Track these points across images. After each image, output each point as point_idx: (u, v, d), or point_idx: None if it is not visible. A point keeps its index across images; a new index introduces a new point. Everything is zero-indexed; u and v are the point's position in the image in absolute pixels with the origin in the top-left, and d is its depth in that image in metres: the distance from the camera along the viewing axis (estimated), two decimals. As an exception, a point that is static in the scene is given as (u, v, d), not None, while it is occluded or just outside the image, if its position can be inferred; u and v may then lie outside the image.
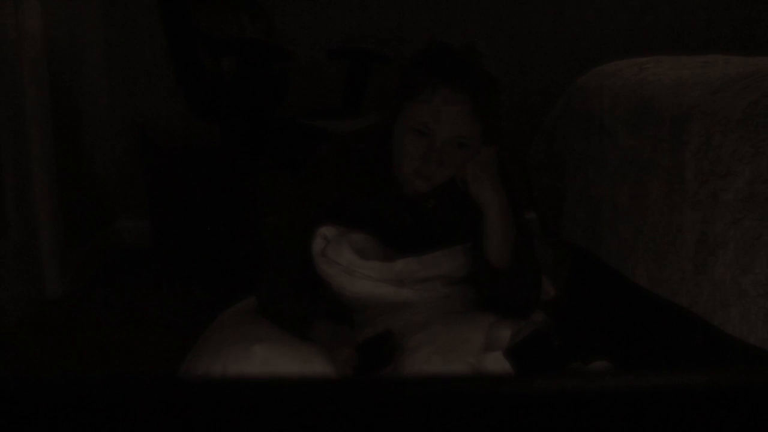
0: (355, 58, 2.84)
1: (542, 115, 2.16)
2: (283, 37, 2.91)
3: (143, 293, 2.62)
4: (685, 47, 2.16)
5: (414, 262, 1.43)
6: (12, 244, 2.33)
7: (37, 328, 2.33)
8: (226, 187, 2.70)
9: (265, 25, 2.84)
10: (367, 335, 1.35)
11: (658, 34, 3.15)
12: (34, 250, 2.48)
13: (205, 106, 2.56)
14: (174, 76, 2.57)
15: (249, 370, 1.29)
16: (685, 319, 1.41)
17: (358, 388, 0.49)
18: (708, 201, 1.34)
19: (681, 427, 0.47)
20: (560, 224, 1.99)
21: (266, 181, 2.75)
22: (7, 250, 2.31)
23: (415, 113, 1.33)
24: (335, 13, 3.13)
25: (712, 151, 1.35)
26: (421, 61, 1.35)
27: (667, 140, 1.49)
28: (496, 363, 1.29)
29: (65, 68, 2.73)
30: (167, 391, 0.49)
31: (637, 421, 0.47)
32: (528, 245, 1.46)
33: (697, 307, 1.35)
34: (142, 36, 3.03)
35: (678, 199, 1.42)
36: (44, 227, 2.51)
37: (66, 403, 0.46)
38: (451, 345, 1.31)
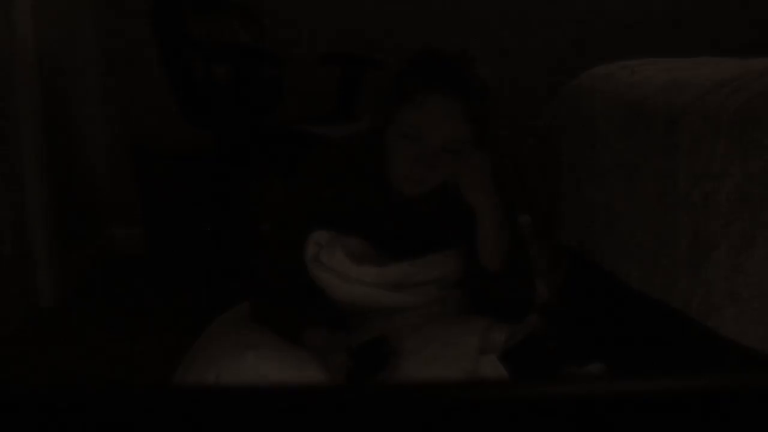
0: (348, 63, 2.84)
1: (537, 117, 2.16)
2: (276, 43, 2.91)
3: (137, 300, 2.61)
4: (683, 48, 2.17)
5: (408, 267, 1.43)
6: (5, 252, 2.32)
7: (31, 336, 2.32)
8: (221, 193, 2.69)
9: (257, 31, 2.84)
10: (362, 340, 1.35)
11: (656, 36, 3.16)
12: (28, 258, 2.47)
13: (197, 113, 2.56)
14: (167, 82, 2.57)
15: (242, 377, 1.28)
16: (680, 321, 1.41)
17: (352, 394, 0.49)
18: (700, 203, 1.34)
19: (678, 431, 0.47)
20: (555, 226, 1.99)
21: (260, 187, 2.75)
22: (1, 259, 2.30)
23: (406, 118, 1.33)
24: (328, 18, 3.13)
25: (704, 152, 1.36)
26: (413, 66, 1.35)
27: (659, 142, 1.49)
28: (491, 367, 1.29)
29: (58, 76, 2.72)
30: (160, 399, 0.48)
31: (634, 425, 0.47)
32: (521, 248, 1.46)
33: (690, 309, 1.36)
34: (136, 42, 3.02)
35: (670, 201, 1.43)
36: (37, 235, 2.50)
37: (58, 414, 0.46)
38: (446, 350, 1.31)
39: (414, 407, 0.46)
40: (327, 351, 1.32)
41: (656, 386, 0.48)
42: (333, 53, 2.95)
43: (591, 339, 1.77)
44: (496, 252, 1.40)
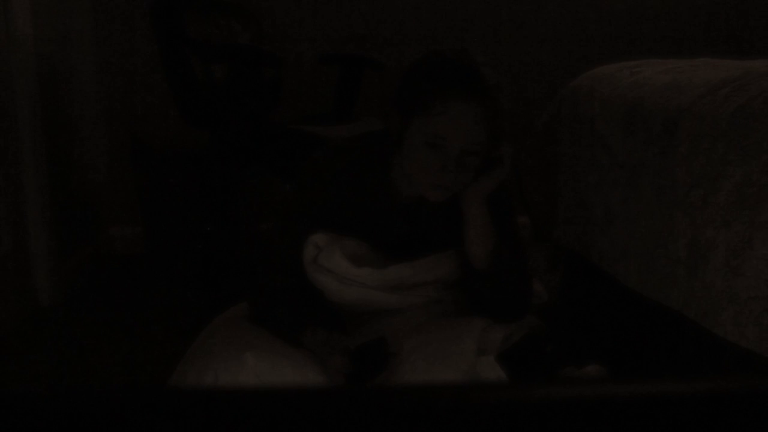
0: (346, 63, 2.85)
1: (535, 119, 2.16)
2: (274, 43, 2.91)
3: (136, 299, 2.61)
4: (683, 49, 2.17)
5: (406, 268, 1.43)
6: (4, 251, 2.32)
7: (30, 335, 2.33)
8: (219, 192, 2.69)
9: (256, 31, 2.84)
10: (360, 342, 1.35)
11: (656, 37, 3.16)
12: (27, 257, 2.47)
13: (196, 113, 2.56)
14: (166, 81, 2.57)
15: (240, 378, 1.28)
16: (678, 322, 1.41)
17: (351, 397, 0.49)
18: (698, 204, 1.34)
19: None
20: (553, 228, 1.99)
21: (259, 187, 2.75)
22: (-1, 259, 2.30)
23: (428, 127, 1.32)
24: (326, 19, 3.13)
25: (702, 154, 1.36)
26: (425, 74, 1.33)
27: (657, 143, 1.49)
28: (489, 368, 1.29)
29: (57, 75, 2.72)
30: (158, 401, 0.48)
31: (632, 426, 0.47)
32: (516, 249, 1.46)
33: (688, 310, 1.36)
34: (134, 41, 3.02)
35: (669, 202, 1.43)
36: (36, 234, 2.50)
37: (55, 417, 0.46)
38: (444, 351, 1.31)
39: (412, 411, 0.46)
40: (325, 353, 1.32)
41: (654, 389, 0.48)
42: (331, 54, 2.95)
43: (588, 340, 1.77)
44: (481, 252, 1.40)
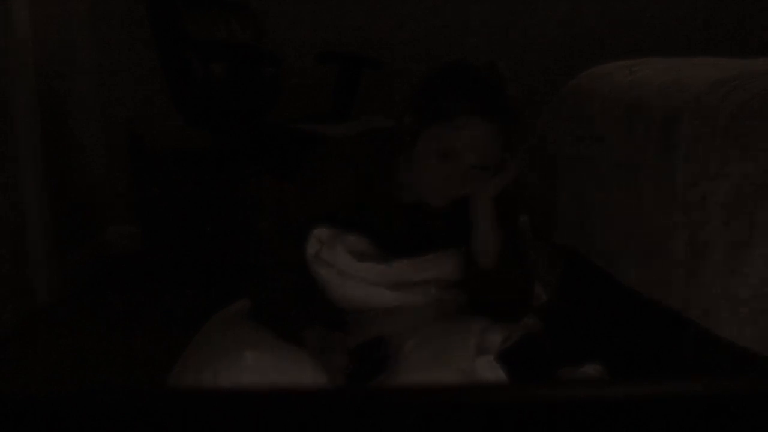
0: (345, 62, 2.85)
1: (537, 117, 2.16)
2: (273, 42, 2.91)
3: (135, 298, 2.61)
4: (682, 48, 2.17)
5: (408, 265, 1.43)
6: (2, 250, 2.32)
7: (28, 334, 2.32)
8: (218, 191, 2.69)
9: (255, 30, 2.84)
10: (360, 341, 1.35)
11: (653, 37, 3.16)
12: (24, 256, 2.47)
13: (195, 112, 2.55)
14: (164, 80, 2.57)
15: (240, 377, 1.28)
16: (676, 322, 1.41)
17: (351, 398, 0.49)
18: (697, 203, 1.34)
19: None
20: (552, 227, 1.99)
21: (257, 185, 2.75)
22: (-3, 257, 2.29)
23: (442, 137, 1.31)
24: (325, 18, 3.13)
25: (701, 153, 1.36)
26: (452, 85, 1.32)
27: (657, 143, 1.49)
28: (488, 368, 1.29)
29: (54, 72, 2.72)
30: (157, 401, 0.48)
31: (630, 428, 0.47)
32: (520, 250, 1.46)
33: (687, 310, 1.36)
34: (132, 40, 3.02)
35: (668, 202, 1.43)
36: (34, 233, 2.49)
37: (54, 418, 0.46)
38: (444, 351, 1.31)
39: (412, 410, 0.46)
40: (325, 352, 1.32)
41: (653, 389, 0.48)
42: (330, 53, 2.95)
43: (587, 339, 1.77)
44: (489, 250, 1.40)
